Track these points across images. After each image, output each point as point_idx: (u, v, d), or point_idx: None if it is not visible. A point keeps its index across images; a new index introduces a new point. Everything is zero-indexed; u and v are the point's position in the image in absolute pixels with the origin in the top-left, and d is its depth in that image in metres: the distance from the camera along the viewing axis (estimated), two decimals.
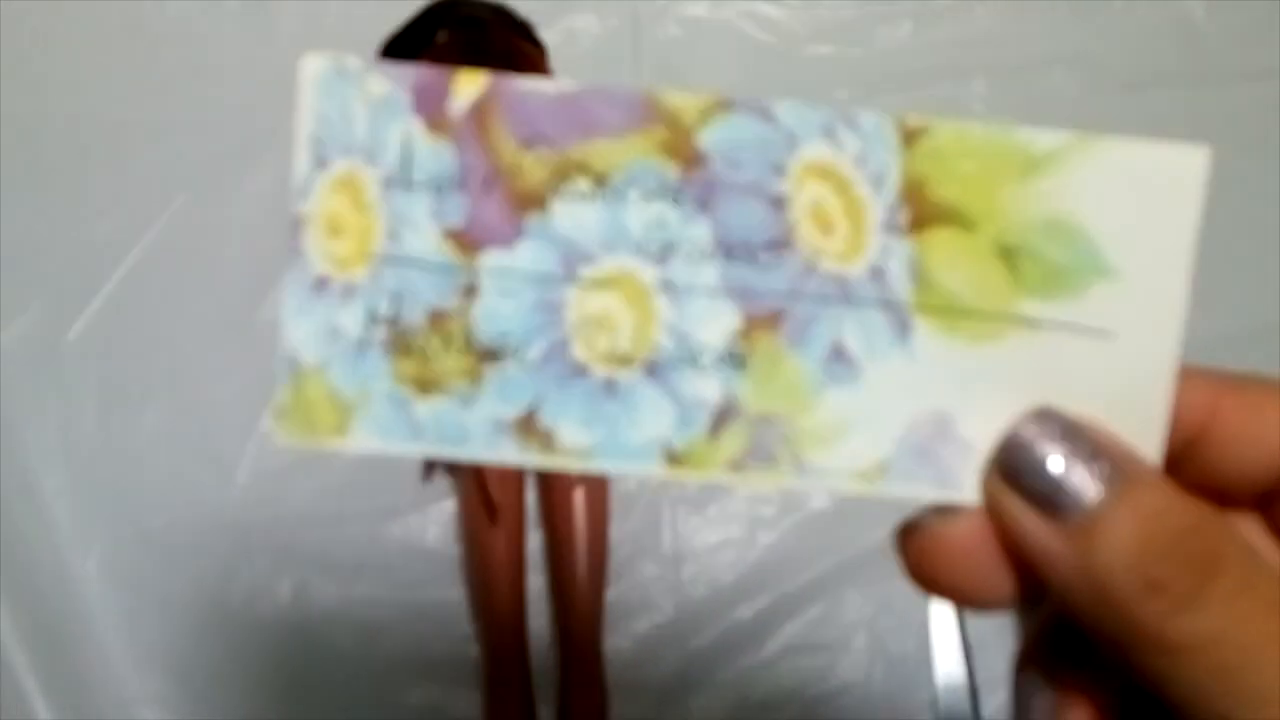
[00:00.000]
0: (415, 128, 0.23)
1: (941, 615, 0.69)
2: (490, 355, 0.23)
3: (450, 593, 0.70)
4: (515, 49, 0.64)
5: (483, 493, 0.69)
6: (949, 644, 0.68)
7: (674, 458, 0.23)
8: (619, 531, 0.71)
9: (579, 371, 0.23)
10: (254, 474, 0.72)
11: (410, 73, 0.22)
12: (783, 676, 0.69)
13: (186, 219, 0.78)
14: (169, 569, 0.70)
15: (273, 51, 0.81)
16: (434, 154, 0.23)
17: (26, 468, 0.72)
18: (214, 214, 0.78)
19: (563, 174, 0.23)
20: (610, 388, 0.23)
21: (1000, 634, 0.69)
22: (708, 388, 0.23)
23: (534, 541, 0.71)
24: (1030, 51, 0.84)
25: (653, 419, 0.23)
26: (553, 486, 0.70)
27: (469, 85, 0.22)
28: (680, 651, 0.69)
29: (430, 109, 0.23)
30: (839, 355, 0.23)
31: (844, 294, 0.23)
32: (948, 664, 0.68)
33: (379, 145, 0.23)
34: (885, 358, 0.23)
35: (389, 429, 0.23)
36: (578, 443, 0.23)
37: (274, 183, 0.78)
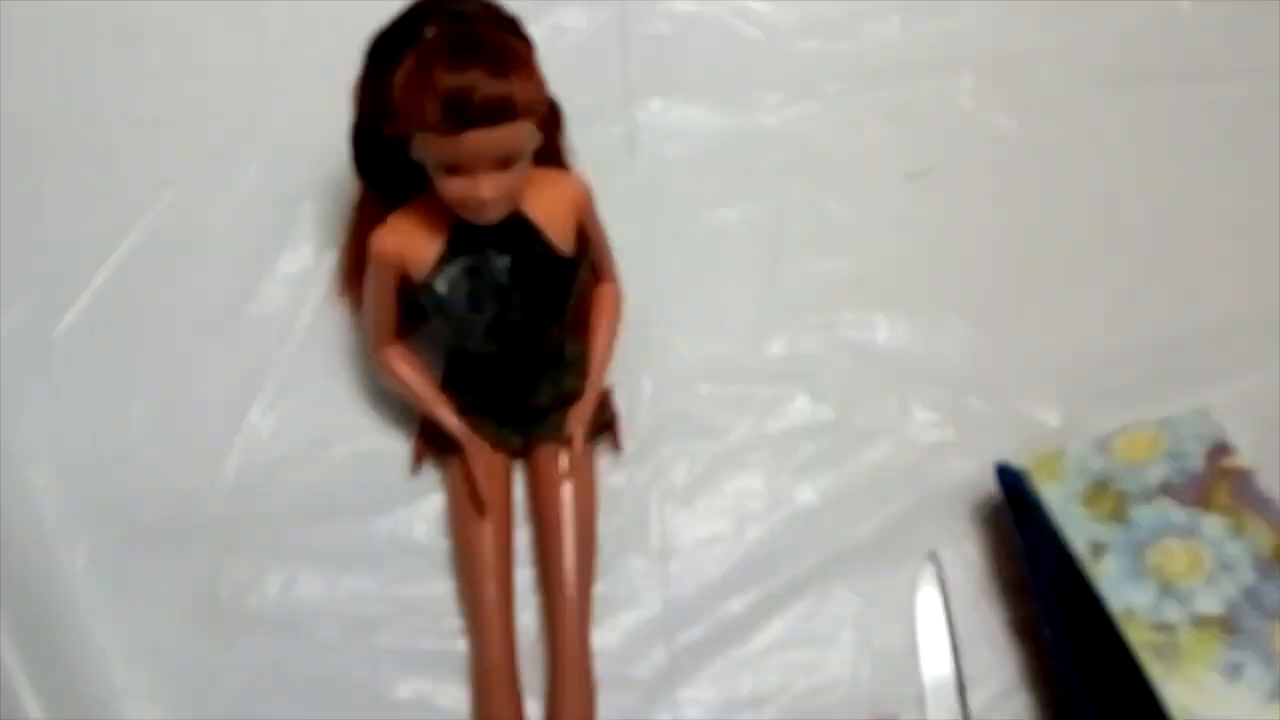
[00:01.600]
0: None
1: (929, 610, 0.68)
2: None
3: (438, 587, 0.71)
4: (503, 44, 0.63)
5: (471, 487, 0.68)
6: (936, 639, 0.68)
7: None
8: (607, 526, 0.71)
9: None
10: (242, 468, 0.73)
11: None
12: (770, 671, 0.69)
13: (174, 214, 0.80)
14: (157, 563, 0.72)
15: (261, 49, 0.81)
16: None
17: (14, 463, 0.73)
18: (201, 209, 0.79)
19: None
20: None
21: (987, 628, 0.68)
22: None
23: (524, 536, 0.70)
24: (1017, 46, 0.84)
25: None
26: (541, 481, 0.70)
27: None
28: (668, 646, 0.70)
29: None
30: None
31: None
32: (935, 659, 0.68)
33: None
34: None
35: None
36: None
37: (260, 179, 0.78)
